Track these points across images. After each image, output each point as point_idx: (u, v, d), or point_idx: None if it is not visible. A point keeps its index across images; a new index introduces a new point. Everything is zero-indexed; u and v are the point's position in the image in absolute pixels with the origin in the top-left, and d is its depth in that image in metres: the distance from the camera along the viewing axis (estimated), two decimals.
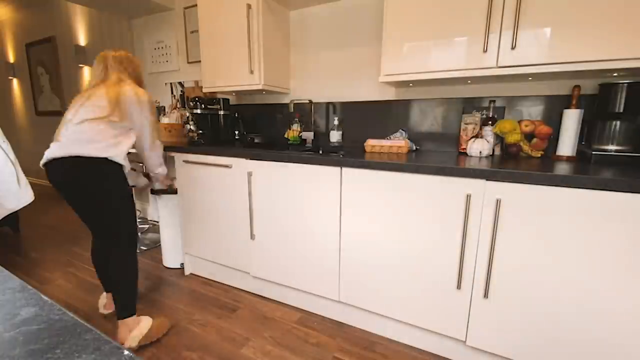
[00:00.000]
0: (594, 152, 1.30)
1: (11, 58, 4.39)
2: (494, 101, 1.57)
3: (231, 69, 1.99)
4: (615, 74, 1.29)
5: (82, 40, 3.36)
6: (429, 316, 1.33)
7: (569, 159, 1.38)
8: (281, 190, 1.57)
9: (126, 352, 0.28)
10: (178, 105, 2.62)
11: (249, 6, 1.81)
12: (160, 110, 2.68)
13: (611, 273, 0.99)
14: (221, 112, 2.11)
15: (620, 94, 1.25)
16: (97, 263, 1.58)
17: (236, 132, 2.30)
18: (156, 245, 2.53)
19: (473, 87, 1.65)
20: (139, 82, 1.51)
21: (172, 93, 2.76)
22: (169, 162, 2.85)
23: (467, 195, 1.16)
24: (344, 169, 1.41)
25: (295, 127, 2.13)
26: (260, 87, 1.91)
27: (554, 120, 1.47)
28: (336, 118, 2.02)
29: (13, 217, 2.77)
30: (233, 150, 1.68)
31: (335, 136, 2.01)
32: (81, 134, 1.29)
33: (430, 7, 1.38)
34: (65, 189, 1.33)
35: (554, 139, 1.47)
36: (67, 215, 3.40)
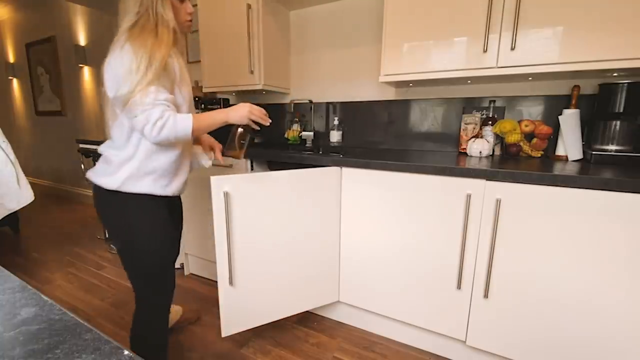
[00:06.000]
0: (593, 152, 1.30)
1: (11, 58, 4.39)
2: (494, 101, 1.57)
3: (231, 69, 1.99)
4: (615, 74, 1.29)
5: (82, 40, 3.36)
6: (429, 316, 1.33)
7: (567, 159, 1.38)
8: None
9: (126, 352, 0.28)
10: None
11: (249, 6, 1.81)
12: None
13: (612, 273, 0.99)
14: None
15: (620, 94, 1.25)
16: None
17: None
18: None
19: (473, 87, 1.65)
20: None
21: None
22: None
23: (467, 195, 1.16)
24: (344, 169, 1.41)
25: (295, 127, 2.13)
26: (260, 87, 1.91)
27: (554, 120, 1.47)
28: (336, 118, 2.02)
29: (13, 217, 2.77)
30: None
31: (335, 136, 2.01)
32: None
33: (430, 7, 1.38)
34: None
35: (553, 139, 1.47)
36: (67, 215, 3.40)
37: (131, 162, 0.95)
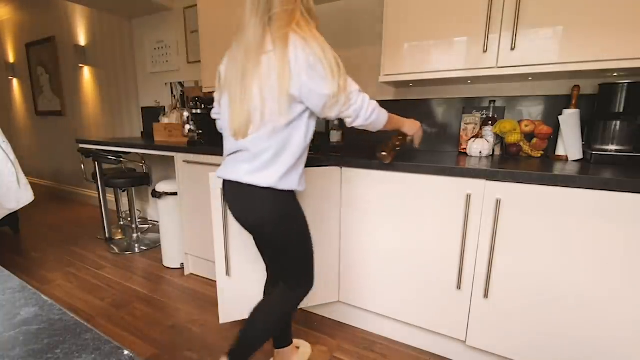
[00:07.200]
0: (593, 152, 1.30)
1: (11, 58, 4.39)
2: (494, 101, 1.57)
3: None
4: (615, 74, 1.29)
5: (82, 40, 3.36)
6: (429, 316, 1.33)
7: (567, 159, 1.38)
8: None
9: (126, 352, 0.28)
10: (178, 105, 2.62)
11: None
12: (160, 111, 2.68)
13: (611, 273, 0.99)
14: None
15: (620, 94, 1.25)
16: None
17: None
18: (156, 245, 2.53)
19: (473, 87, 1.65)
20: None
21: (172, 93, 2.76)
22: (168, 162, 2.85)
23: (467, 195, 1.16)
24: (344, 169, 1.41)
25: None
26: None
27: (554, 120, 1.47)
28: None
29: (13, 217, 2.77)
30: None
31: (335, 136, 2.01)
32: None
33: (431, 7, 1.38)
34: None
35: (553, 139, 1.47)
36: (67, 215, 3.40)
37: (285, 155, 0.93)
